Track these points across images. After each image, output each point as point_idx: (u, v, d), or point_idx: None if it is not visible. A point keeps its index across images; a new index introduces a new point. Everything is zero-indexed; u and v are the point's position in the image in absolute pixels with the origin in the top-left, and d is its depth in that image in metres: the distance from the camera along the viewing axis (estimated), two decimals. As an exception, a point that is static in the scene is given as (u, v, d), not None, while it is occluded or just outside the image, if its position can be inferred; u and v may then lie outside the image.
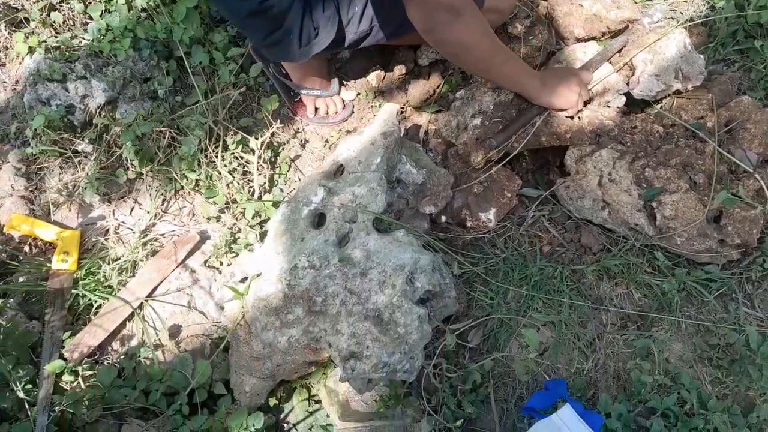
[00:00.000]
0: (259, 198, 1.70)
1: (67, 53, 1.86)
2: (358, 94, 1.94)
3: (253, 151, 1.77)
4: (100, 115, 1.78)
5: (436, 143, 1.79)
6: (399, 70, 1.90)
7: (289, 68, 1.77)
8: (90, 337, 1.45)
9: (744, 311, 1.45)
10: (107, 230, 1.70)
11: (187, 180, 1.75)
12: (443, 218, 1.63)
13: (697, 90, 1.61)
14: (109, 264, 1.61)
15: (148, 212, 1.73)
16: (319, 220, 1.42)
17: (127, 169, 1.76)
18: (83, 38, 1.91)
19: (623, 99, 1.66)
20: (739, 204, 1.41)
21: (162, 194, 1.77)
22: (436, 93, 1.88)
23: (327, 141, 1.89)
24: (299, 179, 1.83)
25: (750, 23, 1.73)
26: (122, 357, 1.46)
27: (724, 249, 1.45)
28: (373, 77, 1.96)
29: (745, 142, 1.48)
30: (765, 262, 1.48)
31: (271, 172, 1.80)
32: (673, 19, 1.85)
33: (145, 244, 1.65)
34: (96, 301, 1.55)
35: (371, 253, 1.30)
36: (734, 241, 1.43)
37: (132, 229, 1.70)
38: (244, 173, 1.79)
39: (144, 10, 1.87)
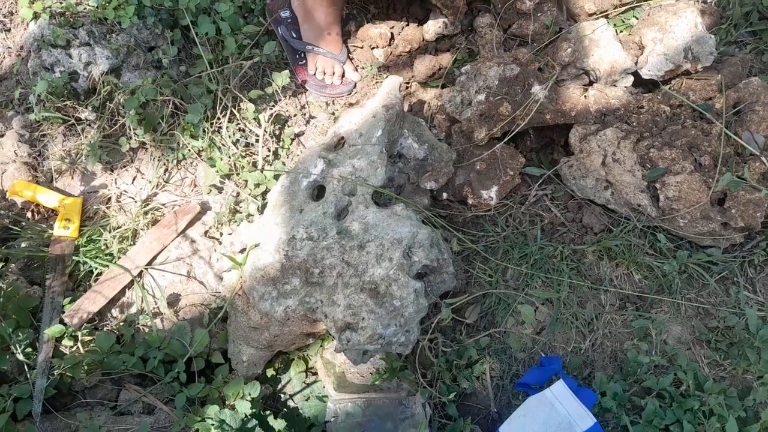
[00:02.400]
0: (262, 170, 1.69)
1: (71, 19, 1.84)
2: (364, 76, 1.92)
3: (259, 122, 1.76)
4: (103, 83, 1.77)
5: (440, 119, 1.78)
6: (405, 45, 1.88)
7: (304, 21, 1.78)
8: (90, 303, 1.46)
9: (745, 295, 1.44)
10: (109, 198, 1.70)
11: (190, 149, 1.75)
12: (444, 195, 1.62)
13: (707, 71, 1.59)
14: (110, 232, 1.62)
15: (150, 182, 1.73)
16: (318, 192, 1.42)
17: (130, 137, 1.76)
18: (88, 4, 1.89)
19: (631, 78, 1.64)
20: (744, 187, 1.40)
21: (164, 164, 1.77)
22: (442, 69, 1.86)
23: (333, 113, 1.88)
24: (302, 153, 1.82)
25: (765, 5, 1.70)
26: (121, 324, 1.47)
27: (727, 232, 1.44)
28: (380, 52, 1.94)
29: (753, 125, 1.46)
30: (768, 246, 1.46)
31: (276, 145, 1.80)
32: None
33: (146, 213, 1.66)
34: (96, 269, 1.55)
35: (369, 226, 1.29)
36: (738, 224, 1.41)
37: (133, 198, 1.71)
38: (247, 145, 1.78)
39: (149, -24, 1.85)
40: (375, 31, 1.91)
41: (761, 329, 1.34)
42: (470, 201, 1.61)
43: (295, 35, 1.86)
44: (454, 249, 1.49)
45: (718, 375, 1.37)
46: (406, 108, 1.84)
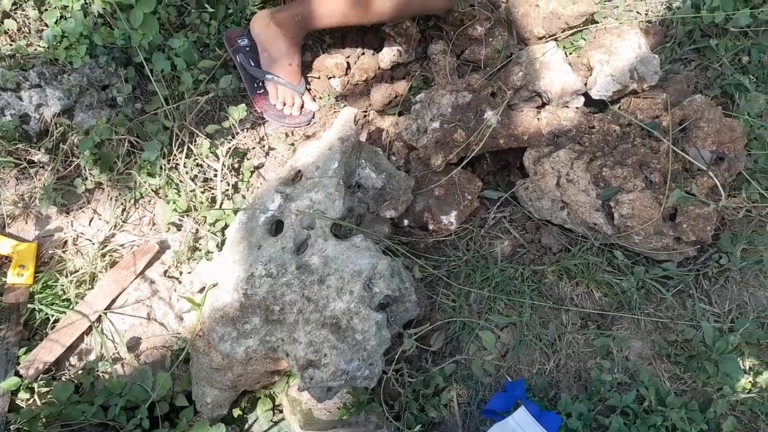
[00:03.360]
0: (221, 206, 1.68)
1: (21, 61, 1.82)
2: (322, 105, 1.93)
3: (217, 157, 1.75)
4: (56, 125, 1.75)
5: (398, 146, 1.79)
6: (361, 75, 1.89)
7: (264, 49, 1.78)
8: (46, 352, 1.42)
9: (701, 307, 1.47)
10: (65, 242, 1.67)
11: (148, 187, 1.73)
12: (405, 221, 1.63)
13: (653, 89, 1.63)
14: (66, 277, 1.59)
15: (107, 222, 1.70)
16: (276, 227, 1.41)
17: (86, 178, 1.73)
18: (38, 45, 1.87)
19: (581, 99, 1.67)
20: (693, 202, 1.43)
21: (122, 203, 1.74)
22: (398, 96, 1.88)
23: (292, 144, 1.88)
24: (261, 185, 1.81)
25: (706, 23, 1.76)
26: (80, 372, 1.44)
27: (680, 246, 1.47)
28: (337, 82, 1.95)
29: (698, 141, 1.50)
30: (720, 258, 1.50)
31: (235, 179, 1.79)
32: (630, 18, 1.87)
33: (104, 255, 1.63)
34: (53, 316, 1.52)
35: (329, 259, 1.29)
36: (690, 239, 1.45)
37: (91, 240, 1.68)
38: (206, 180, 1.77)
39: (101, 15, 1.83)
40: (331, 61, 1.92)
41: (717, 341, 1.36)
42: (431, 226, 1.62)
43: (253, 63, 1.86)
44: (417, 276, 1.50)
45: (680, 389, 1.39)
46: (364, 136, 1.86)
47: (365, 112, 1.92)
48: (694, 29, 1.78)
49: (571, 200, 1.52)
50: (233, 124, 1.81)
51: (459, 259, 1.59)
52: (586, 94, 1.68)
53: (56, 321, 1.52)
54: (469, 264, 1.58)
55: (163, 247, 1.65)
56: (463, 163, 1.57)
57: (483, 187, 1.66)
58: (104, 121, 1.74)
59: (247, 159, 1.85)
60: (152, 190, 1.74)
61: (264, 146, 1.88)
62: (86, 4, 1.82)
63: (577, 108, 1.66)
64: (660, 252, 1.49)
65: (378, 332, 1.23)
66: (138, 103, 1.87)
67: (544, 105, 1.73)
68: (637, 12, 1.89)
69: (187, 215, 1.69)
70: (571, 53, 1.79)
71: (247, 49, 1.86)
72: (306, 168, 1.46)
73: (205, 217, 1.67)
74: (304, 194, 1.38)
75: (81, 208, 1.74)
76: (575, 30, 1.79)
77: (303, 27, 1.72)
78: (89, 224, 1.72)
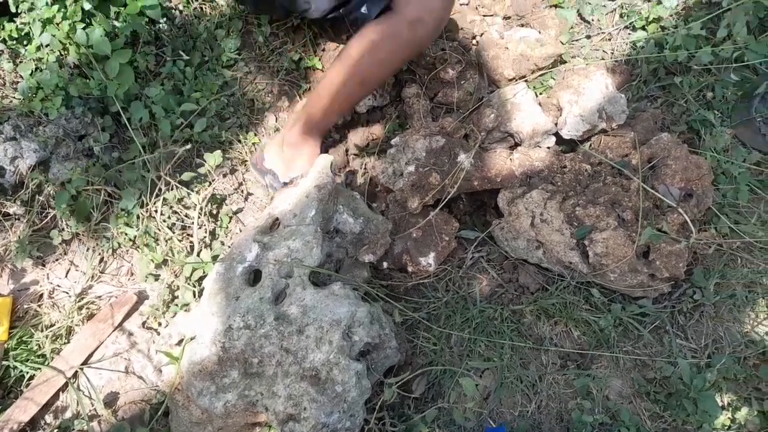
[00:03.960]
0: (198, 254, 1.68)
1: (-4, 113, 1.82)
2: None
3: (194, 205, 1.76)
4: (31, 177, 1.74)
5: (376, 190, 1.81)
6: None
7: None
8: (20, 412, 1.40)
9: (678, 343, 1.49)
10: (41, 295, 1.65)
11: (125, 237, 1.72)
12: (384, 264, 1.64)
13: (622, 128, 1.67)
14: (42, 331, 1.56)
15: (84, 274, 1.69)
16: (254, 276, 1.41)
17: (62, 230, 1.72)
18: (13, 98, 1.87)
19: (553, 139, 1.71)
20: (664, 239, 1.46)
21: (99, 254, 1.73)
22: (375, 138, 1.90)
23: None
24: (240, 230, 1.82)
25: (669, 61, 1.81)
26: (56, 431, 1.41)
27: (654, 283, 1.49)
28: (313, 124, 1.97)
29: (667, 178, 1.54)
30: (694, 293, 1.52)
31: (213, 225, 1.79)
32: (597, 59, 1.92)
33: (80, 308, 1.61)
34: (28, 373, 1.49)
35: (307, 308, 1.29)
36: (663, 275, 1.47)
37: (67, 293, 1.66)
38: (184, 228, 1.77)
39: (76, 66, 1.85)
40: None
41: (694, 379, 1.38)
42: (410, 269, 1.63)
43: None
44: (397, 320, 1.50)
45: (660, 427, 1.40)
46: (342, 178, 1.87)
47: (346, 152, 1.94)
48: (659, 67, 1.83)
49: (546, 240, 1.54)
50: (210, 171, 1.81)
51: (439, 301, 1.60)
52: (557, 134, 1.72)
53: (31, 378, 1.49)
54: (449, 305, 1.59)
55: (142, 297, 1.64)
56: (440, 206, 1.59)
57: (460, 227, 1.68)
58: (81, 172, 1.74)
59: (226, 205, 1.85)
60: (129, 240, 1.73)
61: (242, 191, 1.89)
62: (61, 55, 1.83)
63: (548, 147, 1.70)
64: (635, 289, 1.51)
65: (358, 382, 1.23)
66: (115, 151, 1.87)
67: (516, 145, 1.76)
68: (603, 51, 1.95)
69: (165, 264, 1.69)
70: (541, 93, 1.84)
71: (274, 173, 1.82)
72: (283, 216, 1.46)
73: (183, 266, 1.66)
74: (282, 242, 1.39)
75: (57, 260, 1.72)
76: (544, 70, 1.83)
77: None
78: (66, 276, 1.70)
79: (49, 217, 1.73)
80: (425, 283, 1.63)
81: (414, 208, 1.62)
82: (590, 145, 1.70)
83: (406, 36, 1.47)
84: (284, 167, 1.73)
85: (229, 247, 1.75)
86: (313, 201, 1.43)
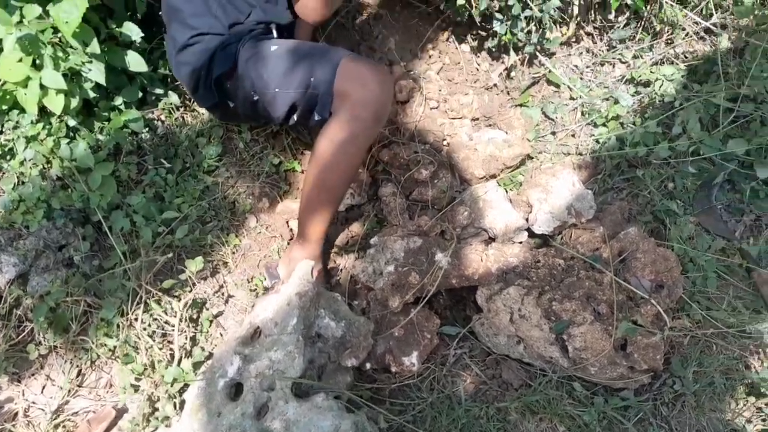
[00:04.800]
0: (179, 363, 1.66)
1: (-23, 227, 1.83)
2: (282, 247, 1.98)
3: (175, 313, 1.75)
4: (10, 291, 1.74)
5: (357, 287, 1.83)
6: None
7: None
8: None
9: (663, 435, 1.49)
10: (15, 414, 1.60)
11: (104, 348, 1.70)
12: (368, 365, 1.64)
13: (591, 222, 1.74)
14: (16, 453, 1.51)
15: (62, 388, 1.65)
16: (236, 389, 1.40)
17: (39, 343, 1.70)
18: (-5, 211, 1.89)
19: (525, 234, 1.77)
20: (640, 332, 1.49)
21: (77, 366, 1.70)
22: (355, 236, 1.95)
23: (252, 290, 1.90)
24: (221, 335, 1.81)
25: (631, 155, 1.92)
26: None
27: (634, 375, 1.51)
28: (294, 224, 2.02)
29: (638, 271, 1.59)
30: (674, 383, 1.54)
31: (194, 331, 1.78)
32: (564, 154, 2.03)
33: (57, 426, 1.57)
34: (-1, 501, 1.43)
35: (290, 423, 1.28)
36: (642, 367, 1.49)
37: (43, 410, 1.62)
38: (164, 335, 1.76)
39: (59, 179, 1.89)
40: (294, 206, 2.00)
41: (682, 474, 1.37)
42: (394, 369, 1.63)
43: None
44: (382, 426, 1.48)
45: None
46: (323, 278, 1.89)
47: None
48: (621, 162, 1.93)
49: (526, 335, 1.56)
50: (190, 276, 1.83)
51: (424, 402, 1.59)
52: (528, 229, 1.78)
53: (3, 507, 1.43)
54: (434, 406, 1.58)
55: (121, 411, 1.60)
56: (420, 305, 1.62)
57: (441, 323, 1.70)
58: (60, 284, 1.74)
59: (206, 309, 1.85)
60: (109, 350, 1.71)
61: (223, 294, 1.90)
62: (44, 168, 1.88)
63: (521, 242, 1.75)
64: (616, 381, 1.52)
65: (344, 498, 1.20)
66: (96, 260, 1.88)
67: (490, 239, 1.81)
68: (568, 146, 2.05)
69: (145, 375, 1.66)
70: (511, 189, 1.92)
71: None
72: (264, 324, 1.47)
73: (163, 375, 1.64)
74: (264, 354, 1.39)
75: (33, 374, 1.69)
76: (513, 168, 1.92)
77: (312, 242, 1.75)
78: (42, 392, 1.66)
79: (26, 331, 1.71)
80: (410, 383, 1.63)
81: (395, 307, 1.64)
82: (561, 239, 1.76)
83: (344, 136, 1.53)
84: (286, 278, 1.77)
85: (211, 353, 1.74)
86: (295, 309, 1.45)
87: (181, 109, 2.09)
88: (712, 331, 1.60)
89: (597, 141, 2.01)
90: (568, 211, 1.70)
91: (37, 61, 1.71)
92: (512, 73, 2.17)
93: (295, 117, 1.64)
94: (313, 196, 1.67)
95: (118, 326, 1.72)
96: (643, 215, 1.86)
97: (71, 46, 1.70)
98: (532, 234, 1.79)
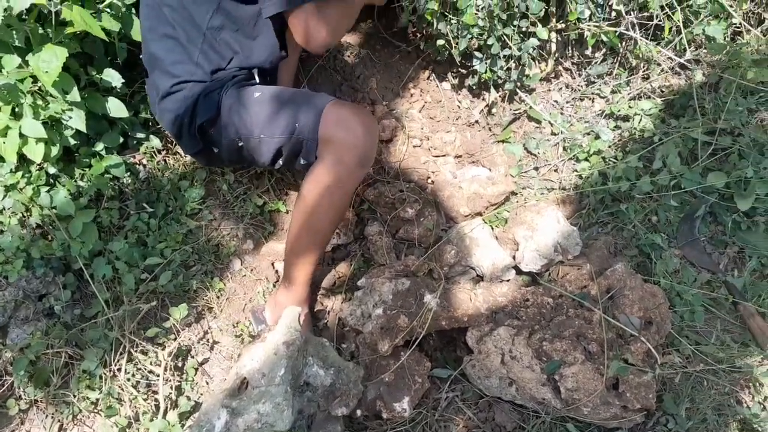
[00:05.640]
0: (165, 414, 1.62)
1: (-47, 279, 1.79)
2: (267, 290, 1.95)
3: (159, 362, 1.71)
4: (-12, 344, 1.69)
5: (345, 330, 1.81)
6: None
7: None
8: None
9: (659, 476, 1.48)
10: (-7, 475, 1.55)
11: (87, 401, 1.65)
12: (358, 412, 1.60)
13: (577, 258, 1.74)
14: None
15: (42, 446, 1.60)
16: (225, 445, 1.36)
17: (19, 398, 1.65)
18: (-28, 261, 1.85)
19: (513, 272, 1.77)
20: (632, 371, 1.49)
21: (58, 421, 1.65)
22: (342, 277, 1.93)
23: (238, 336, 1.87)
24: (207, 383, 1.77)
25: (614, 191, 1.93)
26: None
27: (627, 414, 1.50)
28: (281, 266, 2.00)
29: (626, 308, 1.59)
30: (668, 422, 1.53)
31: (179, 380, 1.74)
32: (548, 189, 2.04)
33: (36, 487, 1.51)
34: None
35: (281, 479, 1.24)
36: (635, 407, 1.48)
37: (22, 470, 1.56)
38: (149, 385, 1.71)
39: (39, 227, 1.85)
40: (279, 247, 1.98)
41: None
42: (385, 415, 1.60)
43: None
44: (374, 475, 1.45)
45: None
46: (310, 320, 1.87)
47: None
48: (605, 196, 1.95)
49: (518, 377, 1.55)
50: (175, 324, 1.79)
51: (416, 448, 1.56)
52: (516, 266, 1.78)
53: None
54: (427, 453, 1.55)
55: (103, 469, 1.55)
56: (411, 349, 1.60)
57: (431, 365, 1.68)
58: (40, 335, 1.70)
59: (191, 357, 1.81)
60: (91, 403, 1.66)
61: (208, 341, 1.86)
62: (23, 217, 1.84)
63: (509, 280, 1.75)
64: (610, 421, 1.51)
65: None
66: (77, 308, 1.84)
67: (478, 277, 1.81)
68: (552, 181, 2.07)
69: (129, 429, 1.62)
70: (497, 226, 1.92)
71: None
72: (252, 375, 1.44)
73: (148, 429, 1.59)
74: (251, 407, 1.36)
75: (14, 431, 1.63)
76: (498, 206, 1.93)
77: (299, 286, 1.75)
78: (21, 450, 1.61)
79: (5, 386, 1.66)
80: (402, 429, 1.60)
81: (384, 351, 1.62)
82: (549, 275, 1.76)
83: (330, 180, 1.54)
84: (273, 325, 1.74)
85: (197, 402, 1.70)
86: (282, 359, 1.42)
87: (163, 153, 2.07)
88: (703, 367, 1.60)
89: (580, 176, 2.03)
90: (555, 249, 1.71)
91: (17, 110, 1.70)
92: (493, 110, 2.19)
93: (281, 161, 1.64)
94: (300, 239, 1.66)
95: (100, 378, 1.68)
96: (628, 249, 1.87)
97: (51, 95, 1.69)
98: (519, 271, 1.79)
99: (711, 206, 1.87)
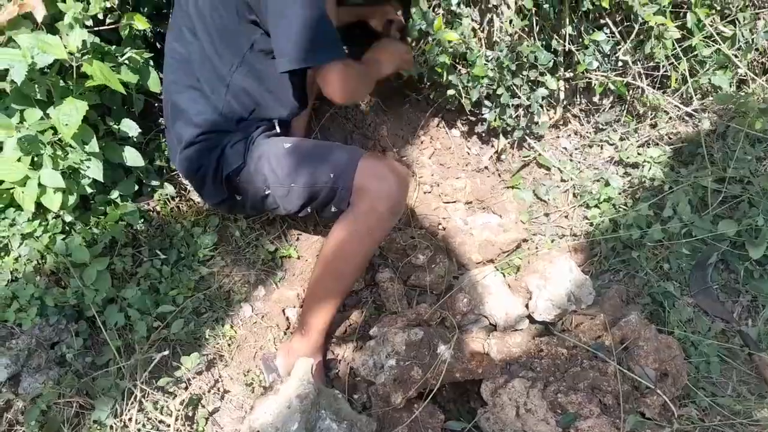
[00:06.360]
0: (175, 468, 1.60)
1: (-33, 327, 1.79)
2: (280, 338, 1.95)
3: (170, 412, 1.70)
4: (1, 393, 1.68)
5: (357, 380, 1.80)
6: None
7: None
8: None
9: None
10: None
11: (97, 453, 1.64)
12: (371, 466, 1.59)
13: (591, 308, 1.74)
14: None
15: (50, 500, 1.58)
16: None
17: (29, 450, 1.63)
18: (-14, 308, 1.86)
19: (526, 321, 1.76)
20: (649, 425, 1.47)
21: (67, 474, 1.63)
22: (353, 324, 1.93)
23: (249, 384, 1.86)
24: (218, 434, 1.76)
25: (624, 239, 1.94)
26: None
27: (646, 470, 1.48)
28: (293, 312, 2.00)
29: (641, 360, 1.58)
30: (688, 478, 1.51)
31: (189, 430, 1.73)
32: (559, 236, 2.05)
33: None
34: None
35: None
36: (653, 463, 1.46)
37: None
38: (159, 435, 1.70)
39: (53, 273, 1.87)
40: (291, 293, 1.99)
41: None
42: (397, 469, 1.58)
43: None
44: None
45: None
46: (323, 369, 1.86)
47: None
48: (616, 244, 1.95)
49: (533, 430, 1.53)
50: (186, 372, 1.79)
51: (429, 503, 1.53)
52: (529, 316, 1.77)
53: None
54: None
55: None
56: (425, 403, 1.59)
57: (445, 417, 1.66)
58: (52, 385, 1.69)
59: (202, 406, 1.80)
60: (101, 458, 1.65)
61: (219, 390, 1.85)
62: (39, 264, 1.86)
63: (523, 329, 1.74)
64: (627, 477, 1.48)
65: None
66: (88, 356, 1.83)
67: (491, 325, 1.80)
68: (562, 227, 2.08)
69: (139, 483, 1.60)
70: (509, 274, 1.92)
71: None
72: (264, 429, 1.43)
73: (159, 483, 1.58)
74: (265, 462, 1.34)
75: (22, 484, 1.61)
76: (509, 252, 1.94)
77: (314, 336, 1.75)
78: (29, 505, 1.59)
79: (16, 437, 1.64)
80: (414, 484, 1.57)
81: (398, 404, 1.60)
82: (562, 324, 1.75)
83: (361, 228, 1.57)
84: (285, 374, 1.74)
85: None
86: (295, 413, 1.41)
87: (177, 199, 2.10)
88: (720, 420, 1.57)
89: (591, 223, 2.04)
90: (568, 298, 1.71)
91: (36, 160, 1.73)
92: (502, 156, 2.22)
93: (308, 209, 1.66)
94: (322, 284, 1.67)
95: (111, 428, 1.67)
96: (640, 297, 1.86)
97: (70, 145, 1.72)
98: (532, 320, 1.79)
99: (723, 254, 1.87)
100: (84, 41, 1.68)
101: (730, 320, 1.80)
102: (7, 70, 1.58)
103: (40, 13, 1.67)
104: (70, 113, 1.63)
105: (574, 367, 1.61)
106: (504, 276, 1.89)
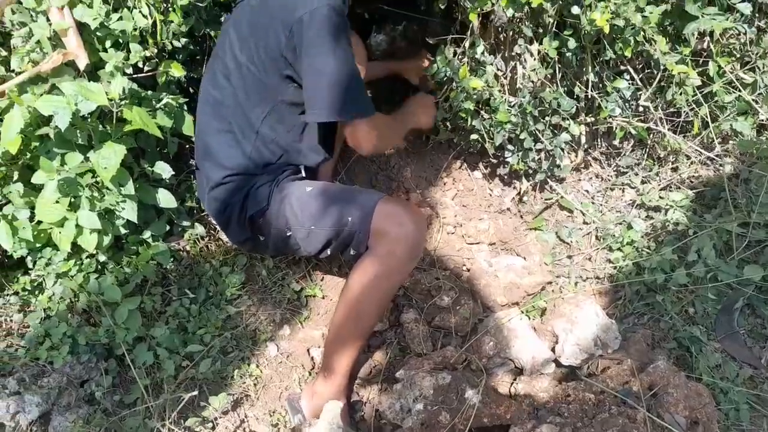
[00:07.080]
0: None
1: (1, 363, 1.82)
2: (303, 378, 1.96)
3: (197, 454, 1.71)
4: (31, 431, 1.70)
5: (382, 423, 1.80)
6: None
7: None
8: None
9: None
10: None
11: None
12: None
13: (617, 352, 1.74)
14: None
15: None
16: None
17: (58, 489, 1.65)
18: (20, 346, 1.89)
19: (553, 365, 1.76)
20: (680, 475, 1.46)
21: None
22: (378, 365, 1.94)
23: (275, 425, 1.86)
24: (244, 477, 1.76)
25: (648, 282, 1.95)
26: None
27: None
28: (317, 352, 2.01)
29: (671, 407, 1.57)
30: None
31: (215, 471, 1.73)
32: (582, 279, 2.06)
33: None
34: None
35: None
36: None
37: None
38: (185, 477, 1.70)
39: (85, 311, 1.90)
40: (316, 333, 2.00)
41: None
42: None
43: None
44: None
45: None
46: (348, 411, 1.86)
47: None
48: (640, 288, 1.96)
49: (562, 478, 1.52)
50: (213, 412, 1.80)
51: None
52: (555, 360, 1.77)
53: None
54: None
55: None
56: (452, 447, 1.58)
57: (471, 463, 1.66)
58: (82, 424, 1.71)
59: (228, 448, 1.81)
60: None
61: (245, 430, 1.86)
62: (71, 303, 1.90)
63: (549, 373, 1.74)
64: None
65: None
66: (116, 394, 1.86)
67: (518, 368, 1.80)
68: (586, 270, 2.09)
69: None
70: (533, 317, 1.93)
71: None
72: (295, 473, 1.44)
73: None
74: (296, 507, 1.34)
75: None
76: (534, 294, 1.95)
77: (338, 378, 1.74)
78: None
79: (45, 476, 1.66)
80: None
81: (425, 448, 1.60)
82: (588, 368, 1.75)
83: (379, 271, 1.60)
84: (310, 416, 1.75)
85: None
86: (327, 457, 1.42)
87: (206, 239, 2.14)
88: (752, 470, 1.56)
89: (614, 266, 2.05)
90: (595, 343, 1.71)
91: (73, 201, 1.78)
92: (524, 198, 2.24)
93: (328, 251, 1.70)
94: (344, 328, 1.69)
95: (139, 469, 1.68)
96: (666, 341, 1.86)
97: (107, 188, 1.78)
98: (558, 364, 1.79)
99: (749, 299, 1.87)
100: (124, 88, 1.75)
101: (758, 366, 1.78)
102: (51, 116, 1.65)
103: (82, 62, 1.74)
104: (109, 157, 1.69)
105: (602, 413, 1.60)
106: (529, 318, 1.90)
